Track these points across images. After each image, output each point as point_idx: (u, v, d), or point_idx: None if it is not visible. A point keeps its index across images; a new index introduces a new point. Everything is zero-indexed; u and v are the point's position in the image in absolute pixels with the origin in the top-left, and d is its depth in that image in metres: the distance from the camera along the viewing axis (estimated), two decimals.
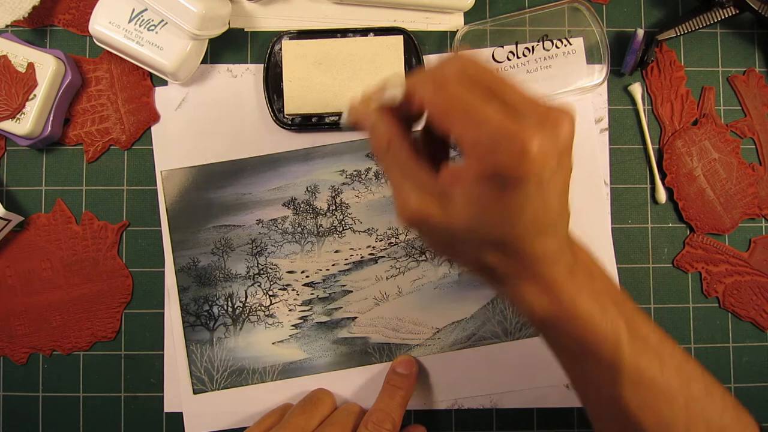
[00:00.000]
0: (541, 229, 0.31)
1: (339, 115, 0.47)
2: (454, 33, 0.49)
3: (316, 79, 0.46)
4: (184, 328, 0.47)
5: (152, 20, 0.44)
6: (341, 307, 0.48)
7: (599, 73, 0.48)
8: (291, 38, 0.47)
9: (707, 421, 0.34)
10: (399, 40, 0.47)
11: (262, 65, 0.48)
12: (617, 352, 0.33)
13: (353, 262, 0.48)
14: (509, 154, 0.28)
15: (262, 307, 0.47)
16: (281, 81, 0.47)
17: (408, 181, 0.32)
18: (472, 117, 0.29)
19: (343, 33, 0.47)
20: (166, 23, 0.44)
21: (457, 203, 0.31)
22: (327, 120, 0.47)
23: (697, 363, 0.37)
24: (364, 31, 0.48)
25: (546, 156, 0.29)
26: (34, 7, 0.46)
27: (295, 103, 0.46)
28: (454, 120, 0.30)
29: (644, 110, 0.49)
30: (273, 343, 0.47)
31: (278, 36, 0.47)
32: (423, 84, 0.31)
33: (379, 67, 0.47)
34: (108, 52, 0.47)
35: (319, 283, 0.48)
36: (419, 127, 0.35)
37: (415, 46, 0.47)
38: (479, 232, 0.31)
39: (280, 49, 0.47)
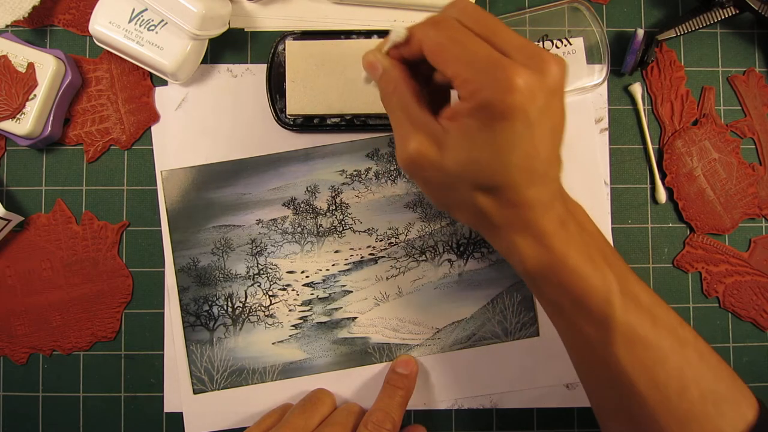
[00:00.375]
0: (532, 174, 0.32)
1: (341, 117, 0.47)
2: None
3: (318, 80, 0.46)
4: (184, 328, 0.47)
5: (152, 20, 0.44)
6: (341, 307, 0.48)
7: (599, 73, 0.48)
8: (294, 38, 0.47)
9: (701, 386, 0.34)
10: None
11: (263, 65, 0.48)
12: (608, 306, 0.33)
13: (353, 262, 0.48)
14: (496, 87, 0.29)
15: (262, 307, 0.47)
16: (284, 81, 0.47)
17: (409, 123, 0.34)
18: (465, 54, 0.30)
19: (347, 34, 0.47)
20: (166, 23, 0.44)
21: (451, 141, 0.32)
22: (329, 122, 0.47)
23: (691, 329, 0.36)
24: (367, 33, 0.48)
25: (532, 92, 0.30)
26: (34, 7, 0.46)
27: (297, 103, 0.46)
28: (448, 57, 0.31)
29: (644, 110, 0.49)
30: (273, 343, 0.47)
31: (282, 36, 0.47)
32: (422, 25, 0.33)
33: None
34: (108, 52, 0.47)
35: (319, 283, 0.48)
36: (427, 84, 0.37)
37: None
38: (471, 171, 0.32)
39: (284, 49, 0.47)
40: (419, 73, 0.36)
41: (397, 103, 0.34)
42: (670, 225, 0.49)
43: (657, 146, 0.49)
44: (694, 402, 0.33)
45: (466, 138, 0.31)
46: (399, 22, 0.49)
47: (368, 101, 0.47)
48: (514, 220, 0.33)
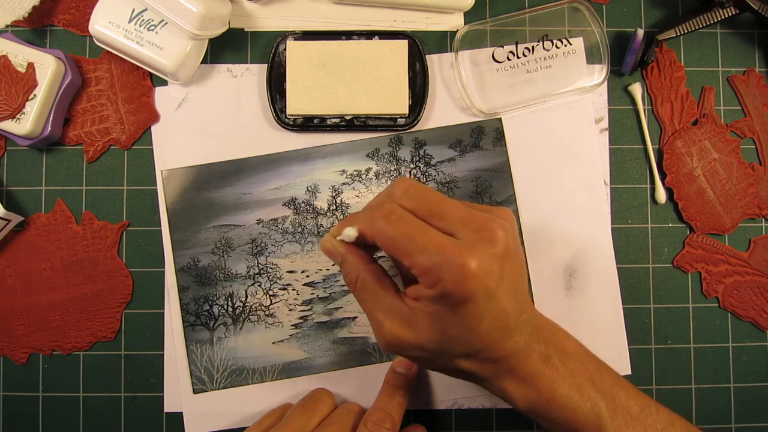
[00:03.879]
0: (504, 332, 0.34)
1: (341, 117, 0.47)
2: (454, 33, 0.49)
3: (319, 80, 0.46)
4: (184, 327, 0.47)
5: (152, 20, 0.44)
6: (341, 307, 0.48)
7: (599, 73, 0.48)
8: (296, 39, 0.47)
9: None
10: (404, 44, 0.47)
11: (263, 65, 0.48)
12: (601, 431, 0.36)
13: None
14: (452, 278, 0.32)
15: (263, 307, 0.47)
16: (284, 81, 0.47)
17: (380, 309, 0.36)
18: (416, 245, 0.32)
19: (348, 35, 0.47)
20: (166, 23, 0.44)
21: (421, 325, 0.34)
22: (329, 122, 0.47)
23: (682, 422, 0.38)
24: (369, 34, 0.48)
25: (486, 270, 0.32)
26: (34, 7, 0.46)
27: (297, 103, 0.46)
28: (402, 251, 0.33)
29: (644, 110, 0.49)
30: (273, 343, 0.47)
31: (283, 36, 0.47)
32: (371, 219, 0.35)
33: (383, 70, 0.47)
34: (108, 52, 0.47)
35: (319, 282, 0.48)
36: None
37: (419, 50, 0.47)
38: (447, 347, 0.34)
39: (285, 49, 0.47)
40: (374, 248, 0.38)
41: (363, 292, 0.37)
42: (670, 225, 0.49)
43: (657, 146, 0.49)
44: None
45: (435, 320, 0.34)
46: (399, 22, 0.49)
47: (368, 102, 0.47)
48: (499, 371, 0.36)
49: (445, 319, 0.33)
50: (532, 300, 0.48)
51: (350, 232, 0.36)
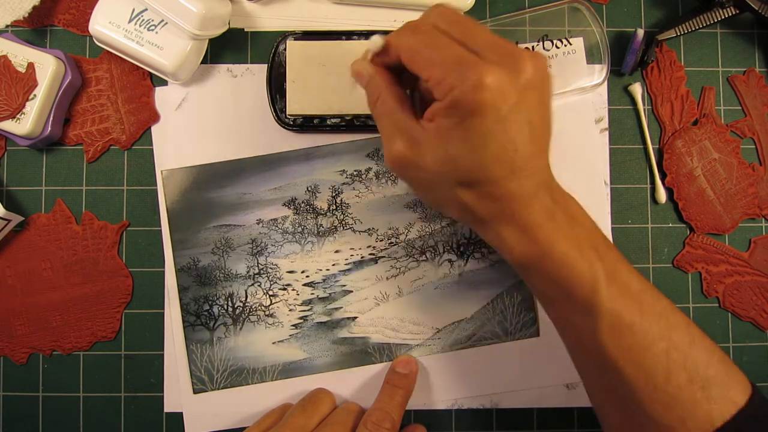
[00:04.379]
0: (510, 168, 0.32)
1: (341, 117, 0.47)
2: None
3: (319, 80, 0.46)
4: (184, 327, 0.47)
5: (152, 20, 0.44)
6: (341, 307, 0.48)
7: (599, 73, 0.48)
8: (296, 39, 0.47)
9: (690, 371, 0.34)
10: None
11: (263, 65, 0.48)
12: (594, 294, 0.34)
13: (353, 262, 0.48)
14: (466, 86, 0.30)
15: (263, 307, 0.47)
16: (284, 81, 0.47)
17: (395, 128, 0.35)
18: (437, 56, 0.32)
19: (348, 35, 0.47)
20: (166, 23, 0.44)
21: (429, 141, 0.33)
22: (329, 122, 0.47)
23: (684, 315, 0.36)
24: (369, 35, 0.47)
25: (502, 89, 0.31)
26: (34, 7, 0.46)
27: (297, 103, 0.46)
28: (422, 61, 0.32)
29: (644, 110, 0.49)
30: (273, 343, 0.47)
31: (283, 36, 0.47)
32: (399, 32, 0.35)
33: None
34: (108, 52, 0.47)
35: (319, 283, 0.48)
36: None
37: None
38: (450, 168, 0.33)
39: (285, 49, 0.47)
40: (405, 78, 0.37)
41: (381, 109, 0.36)
42: (670, 225, 0.49)
43: (657, 146, 0.49)
44: (682, 386, 0.34)
45: (441, 137, 0.33)
46: (399, 22, 0.49)
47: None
48: (498, 213, 0.34)
49: (452, 134, 0.32)
50: (532, 299, 0.48)
51: (377, 40, 0.35)
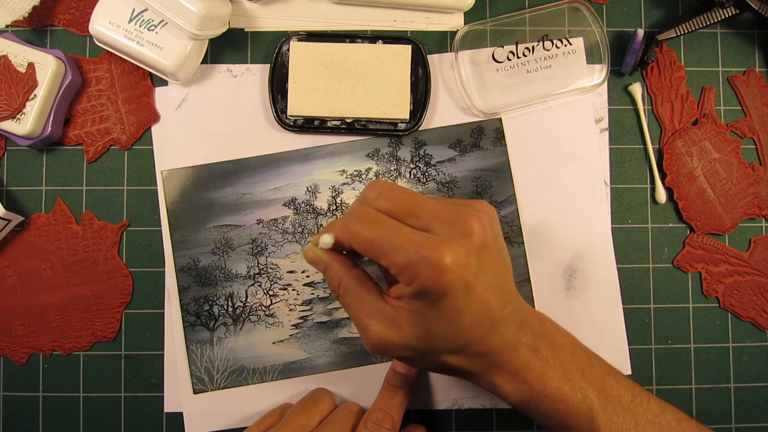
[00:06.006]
0: (489, 324, 0.34)
1: (342, 120, 0.47)
2: (454, 33, 0.49)
3: (321, 82, 0.46)
4: (184, 327, 0.47)
5: (152, 20, 0.44)
6: (341, 307, 0.48)
7: (599, 73, 0.48)
8: (299, 39, 0.47)
9: None
10: (407, 49, 0.47)
11: (263, 65, 0.48)
12: (591, 422, 0.36)
13: None
14: (428, 273, 0.32)
15: (263, 307, 0.47)
16: (286, 81, 0.47)
17: (364, 312, 0.36)
18: (391, 244, 0.33)
19: (352, 38, 0.47)
20: (166, 23, 0.44)
21: (405, 324, 0.34)
22: (329, 124, 0.47)
23: (673, 410, 0.38)
24: (372, 38, 0.47)
25: (462, 264, 0.32)
26: (34, 7, 0.46)
27: (298, 104, 0.46)
28: (379, 252, 0.33)
29: (644, 110, 0.49)
30: (273, 343, 0.47)
31: (287, 36, 0.47)
32: (347, 223, 0.35)
33: (386, 74, 0.47)
34: (108, 52, 0.47)
35: (319, 282, 0.48)
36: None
37: (423, 56, 0.47)
38: (432, 344, 0.34)
39: (288, 49, 0.47)
40: (354, 253, 0.38)
41: (347, 297, 0.37)
42: (670, 225, 0.49)
43: (657, 146, 0.49)
44: None
45: (417, 317, 0.34)
46: (399, 22, 0.49)
47: (369, 106, 0.47)
48: (488, 366, 0.36)
49: (427, 315, 0.33)
50: (532, 299, 0.48)
51: (327, 239, 0.36)
